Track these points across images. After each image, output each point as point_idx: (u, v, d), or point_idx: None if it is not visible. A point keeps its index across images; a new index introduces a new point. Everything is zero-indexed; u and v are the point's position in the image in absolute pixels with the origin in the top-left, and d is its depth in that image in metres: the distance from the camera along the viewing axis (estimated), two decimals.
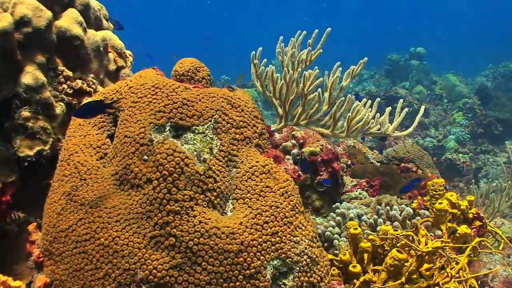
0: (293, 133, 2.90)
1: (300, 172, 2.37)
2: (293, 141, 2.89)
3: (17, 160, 1.83)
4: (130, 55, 2.39)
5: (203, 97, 1.78)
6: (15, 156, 1.81)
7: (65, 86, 1.93)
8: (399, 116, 1.92)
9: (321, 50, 1.97)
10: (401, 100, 1.97)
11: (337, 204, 2.74)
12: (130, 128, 1.69)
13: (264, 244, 1.63)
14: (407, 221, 2.30)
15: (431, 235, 1.97)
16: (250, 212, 1.66)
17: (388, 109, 1.94)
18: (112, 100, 1.79)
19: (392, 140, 8.18)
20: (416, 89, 11.13)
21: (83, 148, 1.78)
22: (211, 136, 1.73)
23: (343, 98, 1.84)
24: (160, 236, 1.57)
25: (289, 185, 1.78)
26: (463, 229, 2.10)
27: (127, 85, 1.85)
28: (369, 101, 1.90)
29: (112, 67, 2.24)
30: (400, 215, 2.30)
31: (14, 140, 1.80)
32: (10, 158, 1.81)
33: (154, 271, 1.54)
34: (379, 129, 1.90)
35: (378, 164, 3.33)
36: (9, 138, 1.81)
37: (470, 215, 2.26)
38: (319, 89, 1.82)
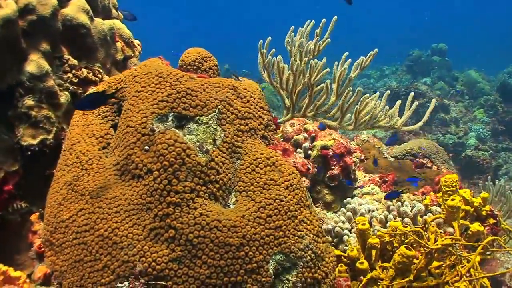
0: (305, 126, 2.84)
1: (309, 166, 2.32)
2: (305, 134, 2.84)
3: (20, 149, 1.81)
4: (138, 44, 2.36)
5: (207, 87, 1.74)
6: (18, 145, 1.79)
7: (70, 75, 1.91)
8: (409, 109, 1.86)
9: (329, 40, 1.91)
10: (412, 93, 1.90)
11: (348, 199, 2.68)
12: (133, 118, 1.66)
13: (267, 238, 1.59)
14: (419, 217, 2.23)
15: (441, 232, 1.90)
16: (253, 205, 1.62)
17: (398, 102, 1.88)
18: (115, 90, 1.76)
19: (412, 135, 8.07)
20: (437, 85, 10.95)
21: (86, 138, 1.75)
22: (214, 126, 1.70)
23: (352, 90, 1.78)
24: (160, 228, 1.54)
25: (295, 178, 1.73)
26: (475, 226, 2.03)
27: (131, 74, 1.82)
28: (377, 94, 1.84)
29: (120, 56, 2.22)
30: (411, 211, 2.24)
31: (17, 129, 1.79)
32: (13, 147, 1.80)
33: (153, 263, 1.51)
34: (387, 123, 1.84)
35: (393, 159, 3.25)
36: (12, 127, 1.80)
37: (484, 213, 2.19)
38: (328, 80, 1.76)
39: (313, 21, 1.93)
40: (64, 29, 1.92)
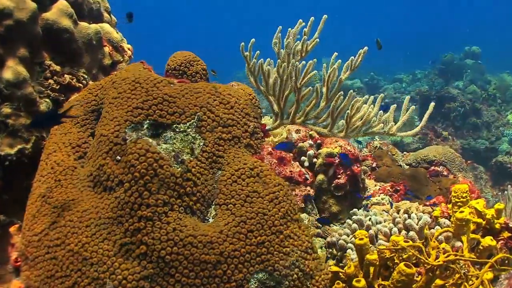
0: (310, 133, 2.73)
1: (307, 175, 2.20)
2: (310, 141, 2.72)
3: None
4: (129, 49, 2.30)
5: (187, 93, 1.65)
6: None
7: (51, 81, 1.85)
8: (405, 114, 1.72)
9: (318, 40, 1.80)
10: (407, 97, 1.77)
11: (355, 210, 2.55)
12: (106, 126, 1.59)
13: (247, 255, 1.48)
14: (425, 230, 2.08)
15: (443, 248, 1.75)
16: (233, 220, 1.52)
17: (393, 106, 1.75)
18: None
19: (440, 141, 7.81)
20: (469, 89, 10.61)
21: (62, 147, 1.68)
22: (193, 135, 1.60)
23: (343, 93, 1.66)
24: (131, 243, 1.45)
25: (281, 190, 1.62)
26: (487, 241, 1.87)
27: (111, 80, 1.74)
28: (371, 97, 1.71)
29: (107, 61, 2.15)
30: (417, 224, 2.09)
31: None
32: None
33: (124, 281, 1.42)
34: (382, 129, 1.71)
35: (407, 167, 3.10)
36: None
37: (497, 226, 2.02)
38: (317, 85, 1.65)
39: (300, 20, 1.81)
40: (45, 33, 1.86)
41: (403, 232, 2.11)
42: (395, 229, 2.12)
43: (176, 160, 1.52)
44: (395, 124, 1.73)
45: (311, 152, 2.72)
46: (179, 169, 1.51)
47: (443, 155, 3.11)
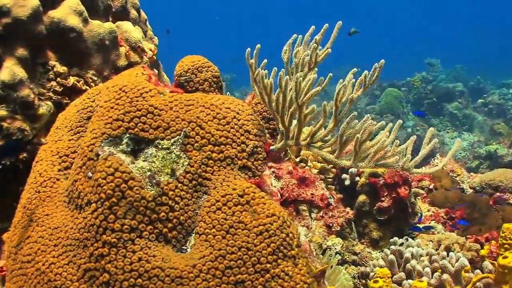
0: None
1: (331, 200, 1.99)
2: None
3: None
4: (150, 49, 2.20)
5: (176, 105, 1.52)
6: None
7: (53, 83, 1.79)
8: (426, 148, 1.47)
9: (330, 50, 1.58)
10: (431, 129, 1.51)
11: (395, 238, 2.31)
12: (85, 138, 1.50)
13: None
14: (463, 273, 1.81)
15: None
16: (210, 253, 1.37)
17: (412, 138, 1.50)
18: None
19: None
20: None
21: (49, 156, 1.62)
22: (177, 153, 1.47)
23: (356, 114, 1.44)
24: (95, 270, 1.35)
25: (274, 222, 1.44)
26: None
27: (106, 86, 1.65)
28: (390, 124, 1.48)
29: (123, 62, 2.07)
30: (453, 265, 1.82)
31: None
32: None
33: None
34: (396, 162, 1.47)
35: (470, 191, 2.77)
36: None
37: None
38: (324, 103, 1.44)
39: (313, 26, 1.61)
40: (50, 32, 1.81)
41: (437, 274, 1.84)
42: (427, 269, 1.87)
43: (151, 181, 1.39)
44: (412, 158, 1.49)
45: (353, 169, 2.50)
46: (152, 191, 1.38)
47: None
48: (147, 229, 1.37)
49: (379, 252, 2.41)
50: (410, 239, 2.22)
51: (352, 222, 2.47)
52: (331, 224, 2.38)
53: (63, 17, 1.82)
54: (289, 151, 1.93)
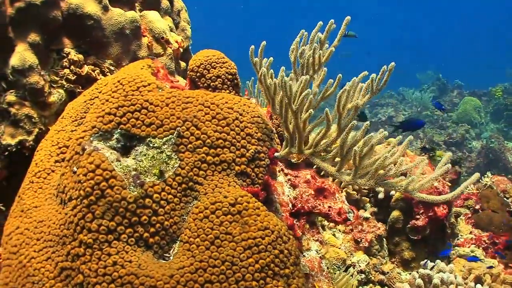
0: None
1: (350, 215, 1.85)
2: None
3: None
4: (176, 41, 2.13)
5: (173, 102, 1.45)
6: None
7: (66, 71, 1.77)
8: (439, 171, 1.31)
9: (333, 49, 1.44)
10: (449, 154, 1.35)
11: (427, 261, 2.13)
12: (78, 130, 1.46)
13: None
14: None
15: None
16: (191, 264, 1.29)
17: (423, 157, 1.34)
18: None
19: None
20: None
21: (49, 146, 1.60)
22: (168, 153, 1.40)
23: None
24: (71, 269, 1.32)
25: (266, 236, 1.35)
26: None
27: (112, 76, 1.61)
28: (399, 137, 1.33)
29: (143, 53, 2.02)
30: None
31: None
32: None
33: None
34: (399, 182, 1.32)
35: None
36: None
37: None
38: (326, 109, 1.32)
39: (320, 22, 1.47)
40: (67, 19, 1.80)
41: None
42: None
43: (135, 181, 1.33)
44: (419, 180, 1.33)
45: None
46: (135, 193, 1.32)
47: None
48: (126, 232, 1.31)
49: (410, 274, 2.24)
50: (442, 263, 2.04)
51: (384, 239, 2.31)
52: (359, 239, 2.25)
53: (81, 3, 1.80)
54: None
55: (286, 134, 1.46)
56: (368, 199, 2.45)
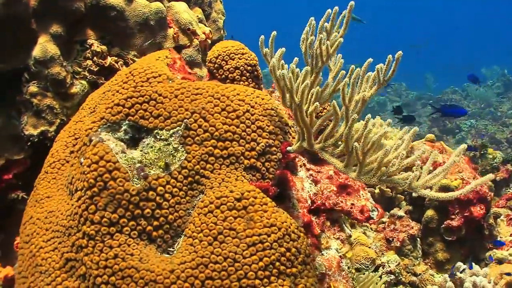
0: (432, 154, 2.25)
1: (373, 214, 1.78)
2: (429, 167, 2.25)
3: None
4: (204, 32, 2.11)
5: (182, 93, 1.43)
6: (23, 134, 1.77)
7: (89, 62, 1.79)
8: (447, 164, 1.23)
9: (342, 39, 1.36)
10: (463, 145, 1.26)
11: (460, 264, 2.03)
12: (87, 121, 1.47)
13: None
14: None
15: None
16: (193, 259, 1.27)
17: (423, 150, 1.26)
18: None
19: None
20: None
21: (65, 136, 1.63)
22: (175, 145, 1.38)
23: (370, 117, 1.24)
24: (75, 260, 1.33)
25: (272, 233, 1.31)
26: None
27: (128, 67, 1.61)
28: (405, 129, 1.25)
29: (169, 45, 2.02)
30: None
31: (22, 116, 1.77)
32: (20, 135, 1.78)
33: None
34: (405, 179, 1.24)
35: None
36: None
37: None
38: (334, 102, 1.26)
39: (329, 10, 1.40)
40: (90, 10, 1.81)
41: None
42: None
43: (139, 174, 1.32)
44: (426, 176, 1.25)
45: None
46: (138, 185, 1.31)
47: None
48: (129, 225, 1.30)
49: (442, 276, 2.14)
50: (476, 267, 1.93)
51: (418, 239, 2.22)
52: (391, 239, 2.17)
53: None
54: None
55: (298, 127, 1.41)
56: (403, 197, 2.36)
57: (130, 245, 1.29)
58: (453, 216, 2.13)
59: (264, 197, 1.36)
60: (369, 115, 1.29)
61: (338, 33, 1.44)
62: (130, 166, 1.33)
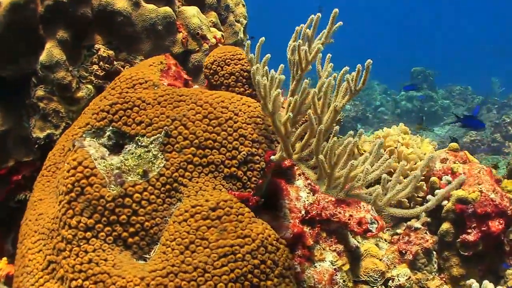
0: (452, 166, 2.17)
1: (372, 227, 1.73)
2: (448, 177, 2.18)
3: None
4: (215, 37, 2.12)
5: (166, 100, 1.45)
6: (31, 136, 1.85)
7: (95, 67, 1.85)
8: (407, 188, 1.17)
9: (321, 47, 1.32)
10: (430, 154, 1.19)
11: (471, 281, 1.95)
12: (74, 127, 1.52)
13: None
14: None
15: None
16: (163, 268, 1.29)
17: (389, 160, 1.20)
18: None
19: None
20: None
21: (63, 140, 1.68)
22: (155, 153, 1.40)
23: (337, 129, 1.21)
24: (56, 263, 1.38)
25: (246, 245, 1.31)
26: None
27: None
28: (378, 141, 1.20)
29: (177, 50, 2.04)
30: None
31: (31, 119, 1.85)
32: (29, 137, 1.86)
33: None
34: (370, 194, 1.19)
35: None
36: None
37: None
38: (309, 111, 1.23)
39: (313, 15, 1.36)
40: (97, 15, 1.87)
41: None
42: None
43: (116, 180, 1.35)
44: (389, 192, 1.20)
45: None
46: (114, 191, 1.34)
47: None
48: (104, 231, 1.34)
49: None
50: (489, 284, 1.83)
51: (434, 252, 2.13)
52: (404, 251, 2.10)
53: (112, 0, 1.87)
54: None
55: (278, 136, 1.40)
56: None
57: (105, 250, 1.33)
58: (469, 230, 2.04)
59: (241, 207, 1.36)
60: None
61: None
62: (108, 172, 1.37)
